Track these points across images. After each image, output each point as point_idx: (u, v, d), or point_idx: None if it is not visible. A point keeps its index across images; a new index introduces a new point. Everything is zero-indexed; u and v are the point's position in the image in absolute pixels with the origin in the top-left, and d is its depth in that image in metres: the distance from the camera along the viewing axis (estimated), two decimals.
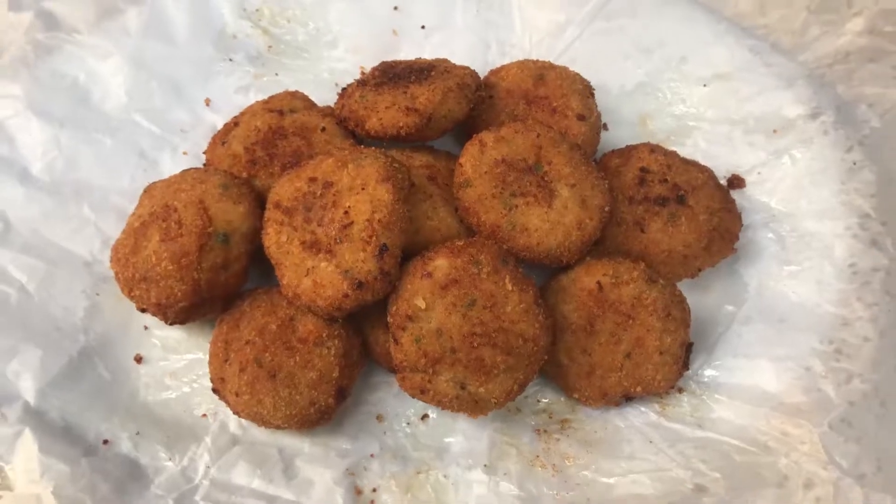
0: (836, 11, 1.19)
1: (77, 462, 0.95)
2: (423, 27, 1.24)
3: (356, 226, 0.91)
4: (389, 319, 0.94)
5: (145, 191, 1.05)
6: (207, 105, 1.18)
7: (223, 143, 1.08)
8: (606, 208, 1.00)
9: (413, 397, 0.95)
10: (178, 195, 0.99)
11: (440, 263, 0.93)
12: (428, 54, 1.17)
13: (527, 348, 0.92)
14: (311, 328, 0.96)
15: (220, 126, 1.14)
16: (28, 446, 0.94)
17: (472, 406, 0.94)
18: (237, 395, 0.95)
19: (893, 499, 0.91)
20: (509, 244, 0.97)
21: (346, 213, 0.92)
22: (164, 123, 1.16)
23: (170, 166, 1.14)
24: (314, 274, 0.92)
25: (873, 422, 0.96)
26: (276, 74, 1.21)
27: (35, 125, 1.10)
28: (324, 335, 0.96)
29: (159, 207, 0.99)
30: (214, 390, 0.99)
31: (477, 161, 1.00)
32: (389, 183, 0.93)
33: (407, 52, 1.20)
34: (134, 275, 0.98)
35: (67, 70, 1.16)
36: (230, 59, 1.21)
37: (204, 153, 1.10)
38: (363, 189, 0.93)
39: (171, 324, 0.99)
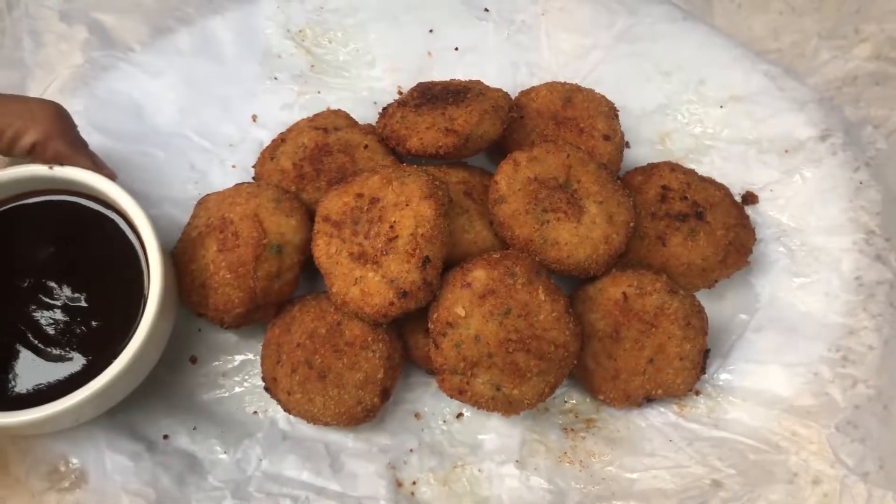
0: (845, 38, 1.26)
1: (141, 457, 1.02)
2: (456, 49, 1.30)
3: (401, 239, 0.99)
4: (430, 326, 1.01)
5: (200, 203, 1.12)
6: (254, 121, 1.25)
7: (272, 159, 1.15)
8: (631, 224, 1.08)
9: (451, 397, 1.01)
10: (234, 208, 1.06)
11: (478, 275, 1.00)
12: (461, 75, 1.23)
13: (558, 354, 1.00)
14: (358, 333, 1.03)
15: (266, 141, 1.20)
16: (97, 444, 1.02)
17: (507, 406, 1.01)
18: (289, 394, 1.03)
19: (894, 495, 0.99)
20: (541, 257, 1.05)
21: (391, 227, 1.00)
22: (214, 138, 1.22)
23: (220, 178, 1.20)
24: (362, 283, 1.00)
25: (876, 424, 1.03)
26: (319, 92, 1.27)
27: (95, 139, 1.17)
28: (369, 339, 1.03)
29: (216, 219, 1.06)
30: (266, 389, 1.06)
31: (511, 179, 1.07)
32: (432, 200, 1.00)
33: (441, 72, 1.26)
34: (192, 282, 1.05)
35: (123, 87, 1.22)
36: (275, 78, 1.27)
37: (253, 167, 1.17)
38: (407, 205, 1.00)
39: (226, 328, 1.06)
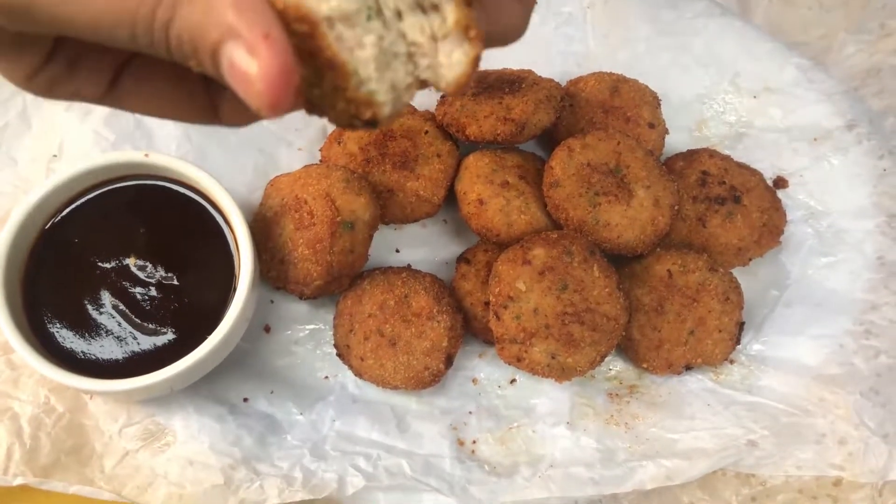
0: (871, 32, 1.34)
1: (225, 419, 1.10)
2: None
3: None
4: (492, 299, 1.10)
5: (271, 184, 1.19)
6: None
7: (339, 143, 1.23)
8: (675, 207, 1.17)
9: (509, 364, 1.11)
10: (307, 188, 1.14)
11: (538, 253, 1.09)
12: (512, 63, 1.30)
13: (609, 326, 1.09)
14: (424, 304, 1.12)
15: (328, 124, 1.27)
16: (185, 407, 1.10)
17: (560, 373, 1.11)
18: (362, 359, 1.12)
19: None
20: (593, 237, 1.13)
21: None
22: (281, 122, 1.29)
23: (286, 160, 1.28)
24: None
25: None
26: None
27: (171, 124, 1.24)
28: (434, 311, 1.12)
29: (290, 200, 1.14)
30: (339, 355, 1.14)
31: (566, 164, 1.15)
32: None
33: (492, 61, 1.32)
34: (271, 258, 1.13)
35: None
36: None
37: (320, 150, 1.25)
38: None
39: (304, 299, 1.15)
